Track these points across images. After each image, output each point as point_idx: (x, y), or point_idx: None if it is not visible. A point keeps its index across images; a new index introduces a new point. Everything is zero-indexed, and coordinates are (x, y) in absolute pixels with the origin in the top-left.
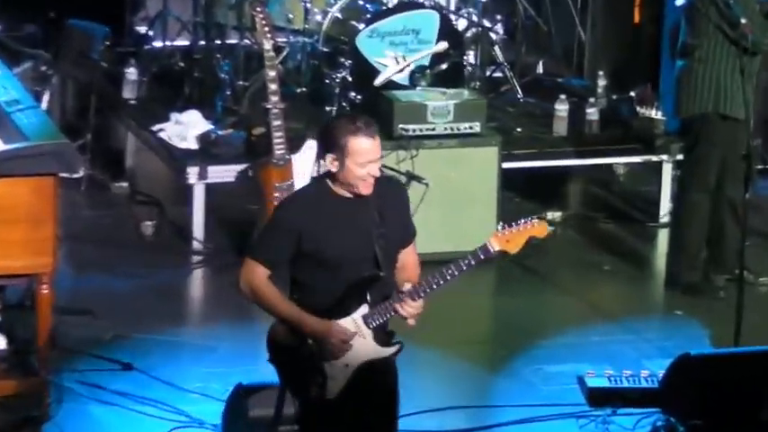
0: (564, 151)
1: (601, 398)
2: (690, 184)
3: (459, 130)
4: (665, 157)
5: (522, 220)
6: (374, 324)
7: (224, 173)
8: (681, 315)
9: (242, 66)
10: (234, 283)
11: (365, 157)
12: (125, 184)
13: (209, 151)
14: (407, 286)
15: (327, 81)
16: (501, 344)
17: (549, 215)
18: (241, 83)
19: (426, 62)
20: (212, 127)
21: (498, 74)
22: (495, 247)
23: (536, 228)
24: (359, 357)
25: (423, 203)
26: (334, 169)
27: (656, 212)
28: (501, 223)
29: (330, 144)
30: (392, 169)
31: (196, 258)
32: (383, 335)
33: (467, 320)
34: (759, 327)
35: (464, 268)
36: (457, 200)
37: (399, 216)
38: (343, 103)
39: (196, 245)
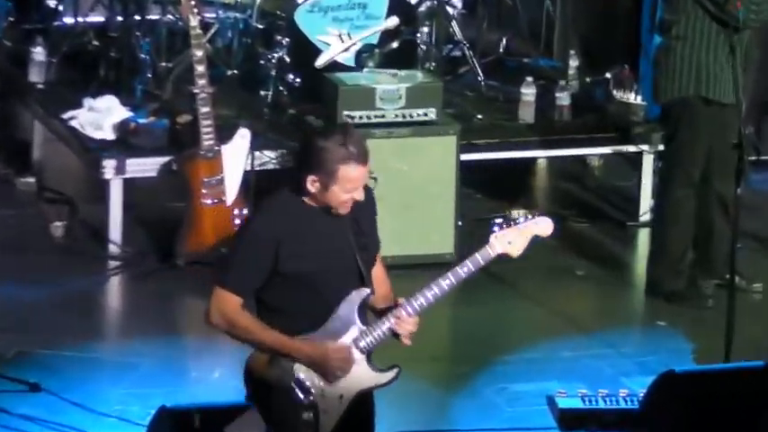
0: (531, 141)
1: (573, 421)
2: (672, 179)
3: (411, 117)
4: (645, 147)
5: (523, 218)
6: (368, 348)
7: (144, 166)
8: (664, 326)
9: (164, 45)
10: (160, 293)
11: (355, 184)
12: (32, 180)
13: (127, 142)
14: (401, 301)
15: (262, 62)
16: (460, 360)
17: (514, 213)
18: (164, 64)
19: (375, 40)
20: (131, 114)
21: (456, 53)
22: (497, 250)
23: (540, 225)
24: (354, 387)
25: None
26: (313, 190)
27: (635, 210)
28: (499, 222)
29: (315, 167)
30: None
31: (113, 264)
32: (373, 359)
33: (421, 334)
34: (753, 339)
35: (463, 276)
36: (410, 196)
37: (371, 224)
38: (280, 87)
39: (113, 248)
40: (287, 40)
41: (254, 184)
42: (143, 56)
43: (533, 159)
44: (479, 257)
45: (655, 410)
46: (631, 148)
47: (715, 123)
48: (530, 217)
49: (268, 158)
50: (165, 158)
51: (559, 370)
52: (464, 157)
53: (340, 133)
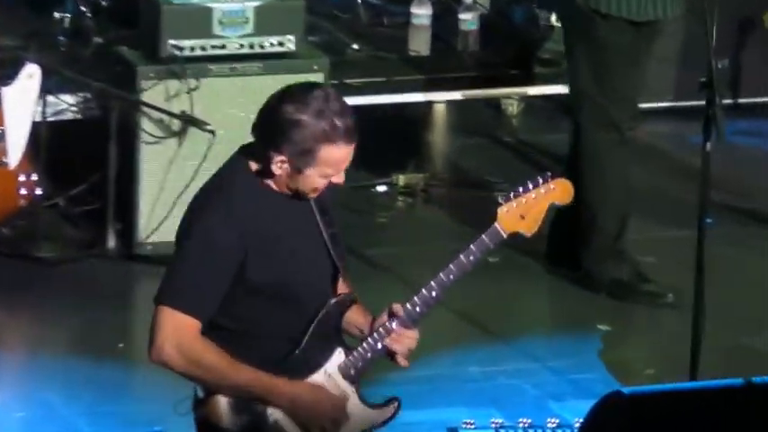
0: (425, 80)
1: None
2: (582, 118)
3: (262, 47)
4: None
5: (531, 182)
6: (358, 376)
7: None
8: (606, 331)
9: None
10: None
11: (337, 168)
12: None
13: None
14: (396, 308)
15: None
16: None
17: (402, 179)
18: None
19: None
20: None
21: None
22: (507, 229)
23: (557, 191)
24: (348, 430)
25: (207, 161)
26: (279, 172)
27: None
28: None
29: (286, 145)
30: (159, 109)
31: None
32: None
33: None
34: (727, 347)
35: (469, 267)
36: None
37: (332, 206)
38: (81, 8)
39: None
40: None
41: (47, 140)
42: None
43: (428, 105)
44: (487, 240)
45: None
46: (561, 89)
47: (623, 46)
48: (540, 180)
49: (66, 105)
50: None
51: (466, 392)
52: None
53: (319, 99)
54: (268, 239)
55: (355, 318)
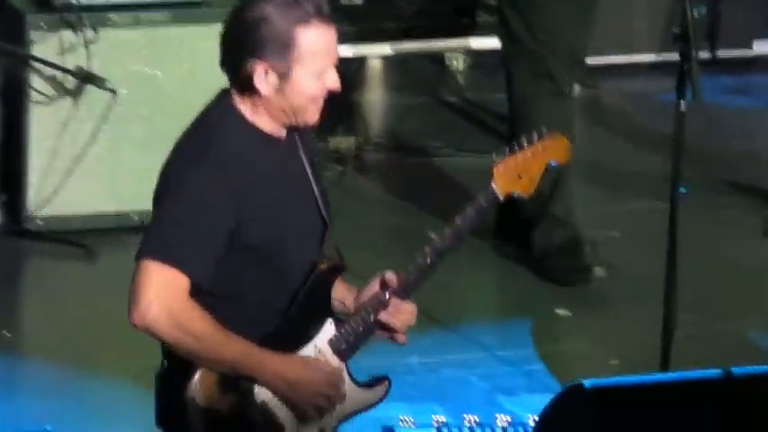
0: (357, 31)
1: None
2: (512, 65)
3: None
4: None
5: (526, 138)
6: (349, 352)
7: None
8: (564, 317)
9: None
10: None
11: (325, 59)
12: None
13: None
14: (390, 277)
15: None
16: None
17: (331, 144)
18: None
19: None
20: None
21: None
22: (504, 188)
23: (554, 148)
24: (339, 413)
25: (106, 124)
26: (266, 88)
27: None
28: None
29: (260, 46)
30: (52, 65)
31: None
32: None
33: None
34: (702, 334)
35: (465, 230)
36: (169, 119)
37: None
38: None
39: None
40: None
41: None
42: None
43: (361, 60)
44: (483, 201)
45: None
46: None
47: None
48: (536, 137)
49: None
50: None
51: (405, 384)
52: None
53: None
54: (259, 192)
55: (339, 291)
